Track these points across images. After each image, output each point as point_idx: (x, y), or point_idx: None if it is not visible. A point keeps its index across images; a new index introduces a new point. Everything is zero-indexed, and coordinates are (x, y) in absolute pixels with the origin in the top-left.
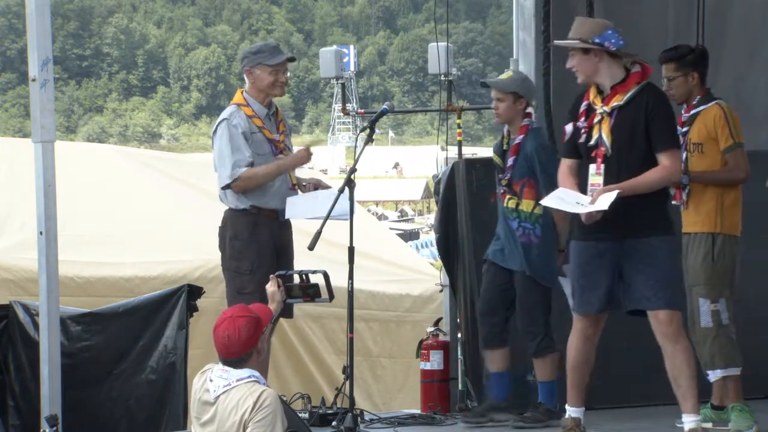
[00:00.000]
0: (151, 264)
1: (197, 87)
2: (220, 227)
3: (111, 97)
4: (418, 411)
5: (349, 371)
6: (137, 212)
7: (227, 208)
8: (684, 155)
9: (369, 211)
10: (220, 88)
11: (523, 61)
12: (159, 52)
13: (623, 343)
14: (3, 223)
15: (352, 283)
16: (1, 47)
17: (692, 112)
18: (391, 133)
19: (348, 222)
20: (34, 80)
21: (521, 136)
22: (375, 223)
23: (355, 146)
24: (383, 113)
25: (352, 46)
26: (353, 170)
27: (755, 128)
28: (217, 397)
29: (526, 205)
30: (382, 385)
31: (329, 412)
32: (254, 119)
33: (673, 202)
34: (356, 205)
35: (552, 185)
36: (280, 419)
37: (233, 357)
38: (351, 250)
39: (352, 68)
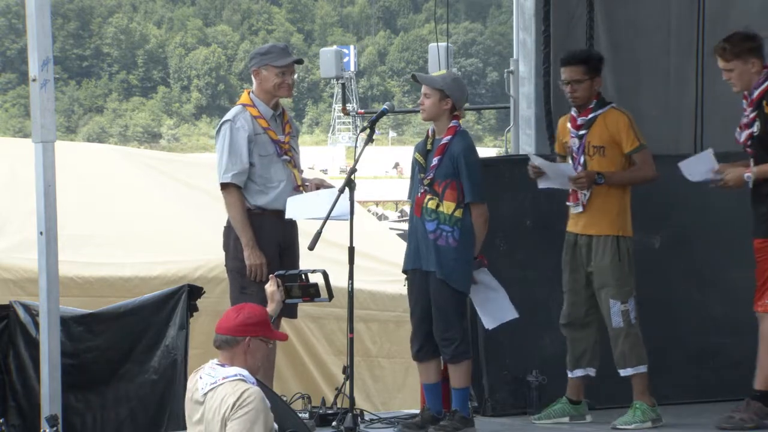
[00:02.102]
0: (151, 264)
1: (197, 87)
2: (225, 227)
3: (111, 97)
4: (418, 411)
5: (349, 371)
6: (137, 212)
7: None
8: (582, 159)
9: (369, 211)
10: (220, 88)
11: (523, 61)
12: (159, 52)
13: None
14: (3, 223)
15: (352, 283)
16: (1, 47)
17: (590, 115)
18: (391, 133)
19: (348, 222)
20: (34, 80)
21: (448, 137)
22: (375, 223)
23: (355, 146)
24: (383, 113)
25: (352, 46)
26: (353, 170)
27: None
28: (205, 395)
29: (447, 207)
30: (381, 386)
31: (329, 412)
32: (259, 120)
33: (568, 203)
34: (356, 205)
35: (476, 188)
36: (263, 419)
37: (221, 333)
38: (351, 250)
39: (352, 68)
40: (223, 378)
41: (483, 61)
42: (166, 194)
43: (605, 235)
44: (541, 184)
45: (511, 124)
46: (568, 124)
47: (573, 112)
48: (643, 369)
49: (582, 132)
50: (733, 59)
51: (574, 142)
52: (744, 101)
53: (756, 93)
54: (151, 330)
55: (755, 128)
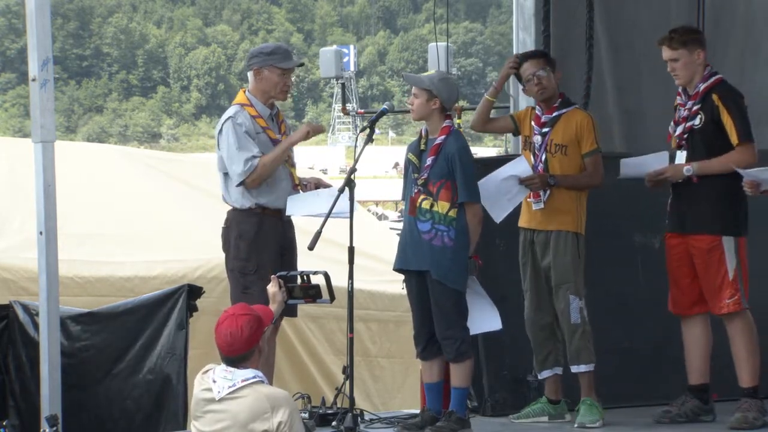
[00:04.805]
0: (151, 264)
1: (197, 87)
2: (223, 228)
3: (111, 97)
4: (417, 411)
5: (349, 371)
6: (137, 212)
7: (231, 208)
8: (543, 156)
9: (369, 211)
10: (220, 88)
11: None
12: (159, 52)
13: (623, 343)
14: (3, 223)
15: (352, 283)
16: (1, 47)
17: (555, 113)
18: (391, 133)
19: (348, 221)
20: (34, 80)
21: (443, 137)
22: (375, 223)
23: (355, 146)
24: (383, 113)
25: (352, 46)
26: (353, 170)
27: (758, 127)
28: (223, 399)
29: (442, 207)
30: (380, 386)
31: (329, 412)
32: (258, 119)
33: (529, 200)
34: (356, 205)
35: (471, 188)
36: (299, 416)
37: (236, 355)
38: (351, 250)
39: (352, 68)
40: (243, 380)
41: (483, 61)
42: (166, 194)
43: (566, 231)
44: (498, 217)
45: None
46: (532, 122)
47: (537, 110)
48: (593, 367)
49: (545, 129)
50: (680, 48)
51: (537, 140)
52: (679, 97)
53: (702, 87)
54: (149, 330)
55: (697, 121)
